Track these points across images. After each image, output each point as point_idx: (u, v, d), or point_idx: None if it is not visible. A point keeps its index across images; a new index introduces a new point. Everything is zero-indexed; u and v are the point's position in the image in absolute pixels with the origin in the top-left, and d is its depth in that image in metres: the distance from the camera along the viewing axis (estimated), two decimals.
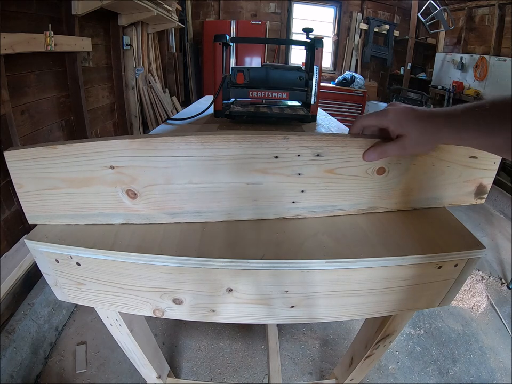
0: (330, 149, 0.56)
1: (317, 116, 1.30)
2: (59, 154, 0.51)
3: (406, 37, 4.69)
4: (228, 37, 1.22)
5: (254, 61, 4.49)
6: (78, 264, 0.55)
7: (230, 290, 0.55)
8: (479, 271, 2.06)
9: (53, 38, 1.65)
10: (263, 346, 1.48)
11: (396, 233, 0.59)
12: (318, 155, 0.56)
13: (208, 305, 0.58)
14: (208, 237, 0.56)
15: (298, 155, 0.56)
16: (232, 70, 1.19)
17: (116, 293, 0.58)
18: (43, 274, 0.59)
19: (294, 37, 4.97)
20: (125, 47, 2.81)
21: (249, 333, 1.56)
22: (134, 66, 3.00)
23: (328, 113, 1.52)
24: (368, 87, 4.86)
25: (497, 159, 0.65)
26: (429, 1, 3.91)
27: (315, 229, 0.59)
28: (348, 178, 0.59)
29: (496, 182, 2.78)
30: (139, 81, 3.13)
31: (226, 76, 1.19)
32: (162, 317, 0.61)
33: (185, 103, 4.21)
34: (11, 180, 0.53)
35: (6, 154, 0.51)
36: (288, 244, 0.55)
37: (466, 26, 4.03)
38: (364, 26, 4.75)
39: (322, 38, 1.28)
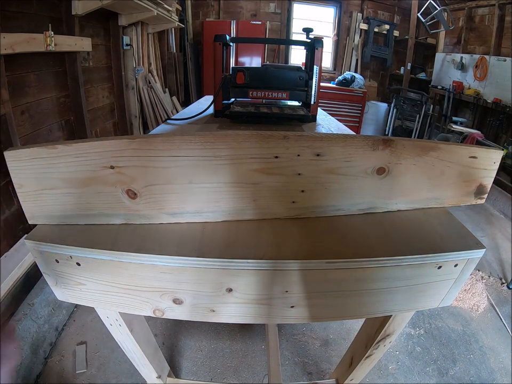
0: (330, 149, 0.56)
1: (317, 116, 1.30)
2: (59, 154, 0.51)
3: (406, 37, 4.69)
4: (227, 37, 1.22)
5: (254, 61, 4.49)
6: (78, 264, 0.55)
7: (230, 290, 0.55)
8: (479, 271, 2.06)
9: (53, 38, 1.65)
10: (263, 346, 1.48)
11: (395, 233, 0.59)
12: (318, 155, 0.56)
13: (208, 305, 0.58)
14: (208, 237, 0.56)
15: (298, 155, 0.56)
16: (232, 70, 1.19)
17: (116, 293, 0.58)
18: (43, 274, 0.59)
19: (294, 37, 4.96)
20: (125, 47, 2.81)
21: (249, 333, 1.55)
22: (134, 66, 3.00)
23: (328, 113, 1.52)
24: (368, 87, 4.86)
25: (497, 159, 0.65)
26: (429, 1, 3.91)
27: (315, 229, 0.59)
28: (347, 178, 0.59)
29: (496, 182, 2.77)
30: (139, 81, 3.13)
31: (226, 76, 1.19)
32: (162, 317, 0.61)
33: (185, 103, 4.20)
34: (11, 180, 0.53)
35: (6, 154, 0.51)
36: (288, 244, 0.55)
37: (466, 26, 4.03)
38: (364, 26, 4.75)
39: (322, 38, 1.28)
